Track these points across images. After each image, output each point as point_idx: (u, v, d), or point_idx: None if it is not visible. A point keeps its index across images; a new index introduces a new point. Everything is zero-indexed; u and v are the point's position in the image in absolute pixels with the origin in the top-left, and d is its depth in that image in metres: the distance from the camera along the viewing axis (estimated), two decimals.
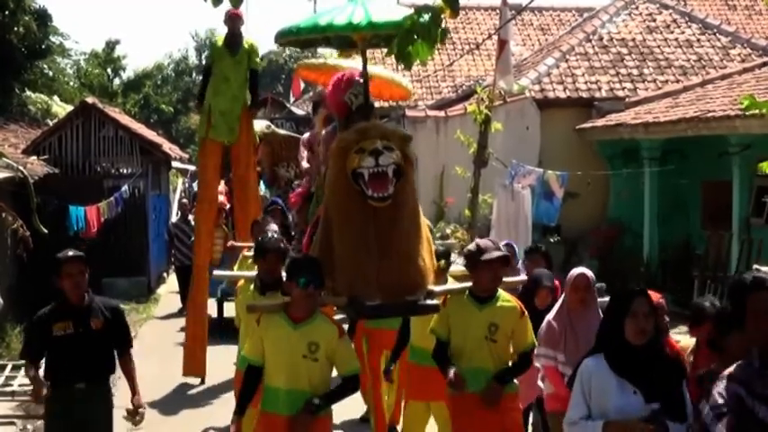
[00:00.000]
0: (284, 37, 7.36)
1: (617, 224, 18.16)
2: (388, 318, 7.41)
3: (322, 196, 9.09)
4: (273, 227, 9.06)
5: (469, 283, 6.57)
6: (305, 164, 9.98)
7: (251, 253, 9.02)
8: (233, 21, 11.81)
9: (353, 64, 9.78)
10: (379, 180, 6.04)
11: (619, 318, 4.89)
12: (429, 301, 6.33)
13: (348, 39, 7.36)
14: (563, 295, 7.04)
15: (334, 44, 8.14)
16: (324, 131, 7.49)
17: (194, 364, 11.95)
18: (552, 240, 17.13)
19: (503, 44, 13.99)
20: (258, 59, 12.46)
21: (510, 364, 6.53)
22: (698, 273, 9.78)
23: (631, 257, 17.33)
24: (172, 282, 20.33)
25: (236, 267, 9.54)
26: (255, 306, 6.28)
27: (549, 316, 7.00)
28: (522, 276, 7.81)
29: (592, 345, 5.15)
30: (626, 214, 18.08)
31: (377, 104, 10.75)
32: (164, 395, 11.38)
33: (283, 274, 6.26)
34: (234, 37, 11.94)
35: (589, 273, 6.96)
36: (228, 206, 15.22)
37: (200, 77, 13.16)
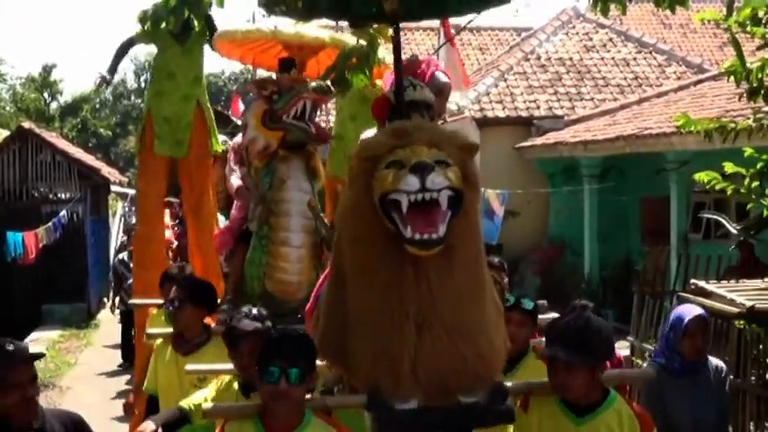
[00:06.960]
0: None
1: (558, 242, 18.29)
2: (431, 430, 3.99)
3: (266, 237, 6.58)
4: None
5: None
6: (236, 181, 7.44)
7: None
8: None
9: (295, 32, 7.18)
10: (424, 213, 3.72)
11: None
12: (498, 405, 3.95)
13: (374, 6, 4.77)
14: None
15: (350, 16, 5.17)
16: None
17: None
18: (495, 260, 17.16)
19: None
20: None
21: None
22: (636, 287, 9.89)
23: (573, 275, 17.46)
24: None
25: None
26: (214, 410, 4.12)
27: None
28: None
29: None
30: (567, 232, 18.22)
31: None
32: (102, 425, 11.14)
33: None
34: (186, 21, 8.62)
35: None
36: (176, 244, 11.84)
37: (140, 93, 10.02)
